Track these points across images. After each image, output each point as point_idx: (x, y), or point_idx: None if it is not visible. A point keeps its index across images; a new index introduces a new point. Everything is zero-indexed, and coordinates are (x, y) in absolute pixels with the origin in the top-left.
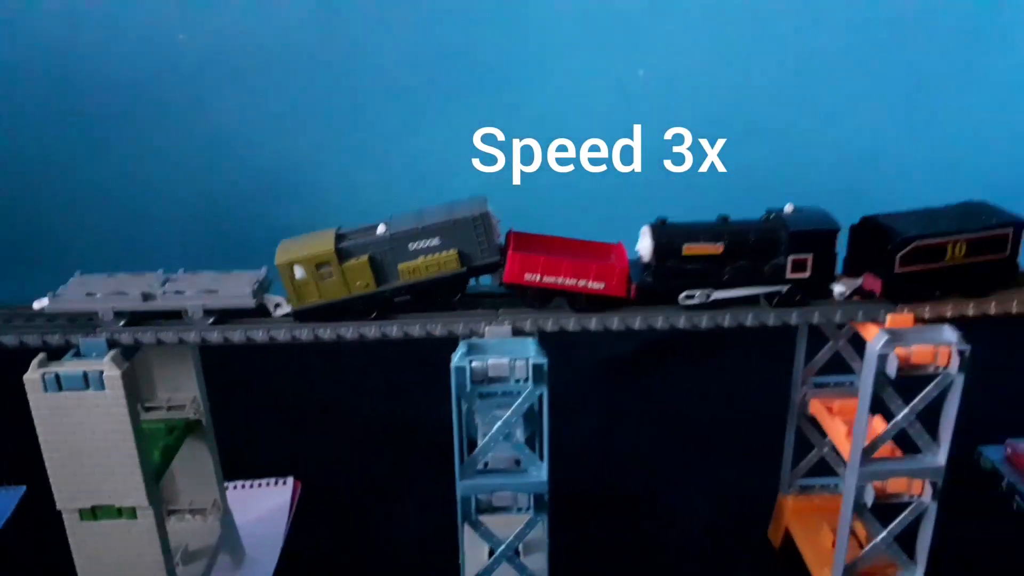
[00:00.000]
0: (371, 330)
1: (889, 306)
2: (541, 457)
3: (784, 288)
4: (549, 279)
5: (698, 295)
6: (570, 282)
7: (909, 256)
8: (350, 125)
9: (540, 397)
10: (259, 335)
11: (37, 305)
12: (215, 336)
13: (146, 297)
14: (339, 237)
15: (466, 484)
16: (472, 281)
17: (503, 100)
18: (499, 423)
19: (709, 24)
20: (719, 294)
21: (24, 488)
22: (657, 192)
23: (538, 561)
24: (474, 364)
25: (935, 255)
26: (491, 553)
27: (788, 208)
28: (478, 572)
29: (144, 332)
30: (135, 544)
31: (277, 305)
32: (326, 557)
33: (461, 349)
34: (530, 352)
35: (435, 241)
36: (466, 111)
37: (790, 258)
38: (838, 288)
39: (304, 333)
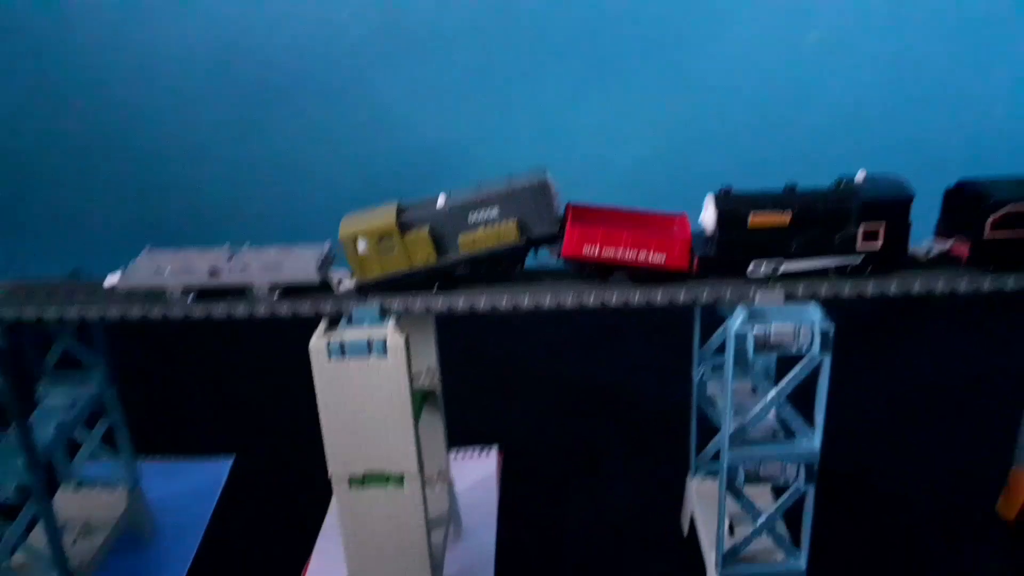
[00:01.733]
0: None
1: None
2: (812, 426)
3: (857, 260)
4: (608, 252)
5: (765, 266)
6: (630, 255)
7: (1001, 220)
8: (511, 100)
9: (821, 365)
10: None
11: (108, 283)
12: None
13: (212, 273)
14: (400, 210)
15: (734, 453)
16: (532, 256)
17: (670, 71)
18: (773, 391)
19: None
20: (788, 266)
21: (233, 457)
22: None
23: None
24: (756, 331)
25: None
26: (729, 524)
27: (860, 176)
28: (735, 543)
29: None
30: (401, 511)
31: (340, 281)
32: (538, 526)
33: (740, 315)
34: (815, 318)
35: (494, 212)
36: (630, 84)
37: (861, 227)
38: (923, 247)
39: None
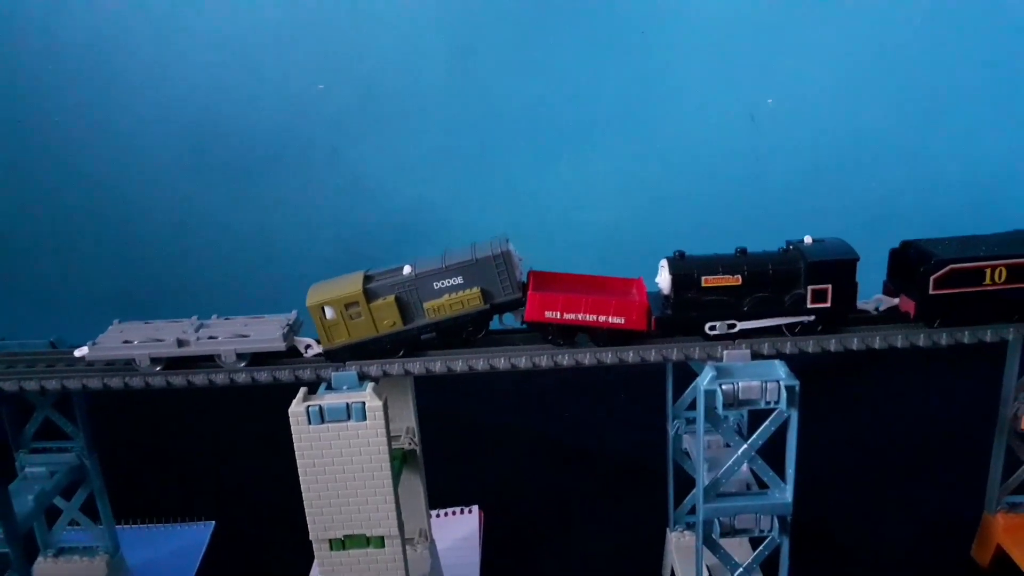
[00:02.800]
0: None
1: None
2: (783, 479)
3: (808, 318)
4: (570, 315)
5: (719, 325)
6: (590, 318)
7: (944, 279)
8: (481, 169)
9: (788, 419)
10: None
11: (78, 353)
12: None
13: (181, 343)
14: (367, 278)
15: (709, 507)
16: (496, 320)
17: (631, 138)
18: (744, 445)
19: (836, 52)
20: (743, 325)
21: (214, 523)
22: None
23: None
24: (724, 387)
25: (972, 279)
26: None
27: (807, 239)
28: None
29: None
30: (382, 573)
31: (308, 346)
32: None
33: (709, 373)
34: (780, 374)
35: (459, 279)
36: (597, 150)
37: (810, 288)
38: (872, 302)
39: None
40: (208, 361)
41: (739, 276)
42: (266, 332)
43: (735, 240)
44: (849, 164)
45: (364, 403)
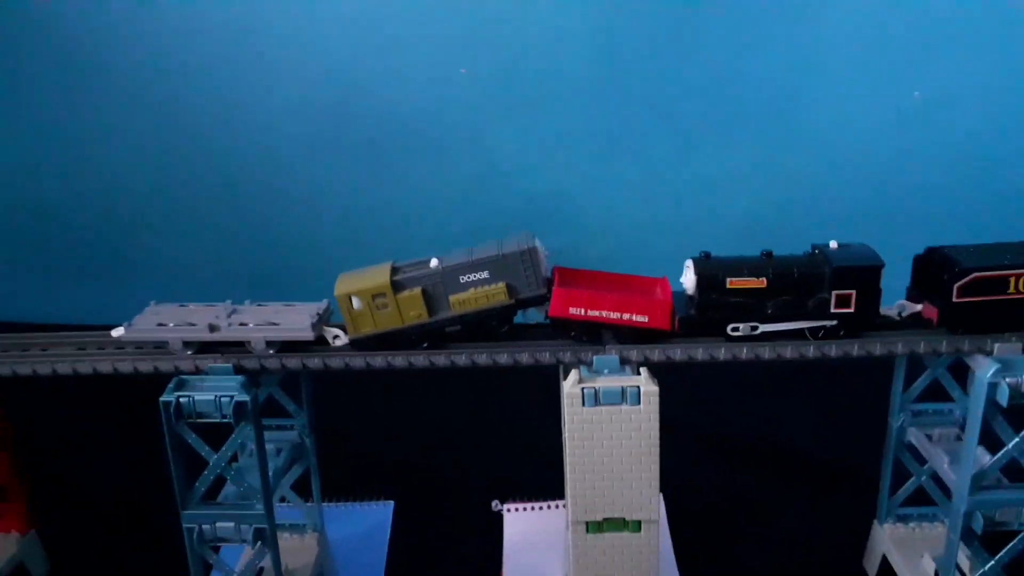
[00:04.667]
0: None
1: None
2: None
3: (831, 323)
4: (593, 313)
5: (742, 328)
6: (614, 315)
7: (968, 287)
8: (618, 156)
9: None
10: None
11: (115, 333)
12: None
13: (212, 328)
14: (394, 270)
15: (974, 499)
16: (520, 315)
17: (775, 128)
18: (1016, 439)
19: (986, 42)
20: (765, 327)
21: (392, 503)
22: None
23: None
24: (1009, 381)
25: (996, 287)
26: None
27: (833, 244)
28: None
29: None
30: (634, 557)
31: (336, 336)
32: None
33: (992, 366)
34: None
35: (484, 274)
36: (738, 139)
37: (834, 293)
38: (895, 308)
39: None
40: (239, 347)
41: (764, 279)
42: (295, 321)
43: (869, 235)
44: (992, 163)
45: (640, 387)
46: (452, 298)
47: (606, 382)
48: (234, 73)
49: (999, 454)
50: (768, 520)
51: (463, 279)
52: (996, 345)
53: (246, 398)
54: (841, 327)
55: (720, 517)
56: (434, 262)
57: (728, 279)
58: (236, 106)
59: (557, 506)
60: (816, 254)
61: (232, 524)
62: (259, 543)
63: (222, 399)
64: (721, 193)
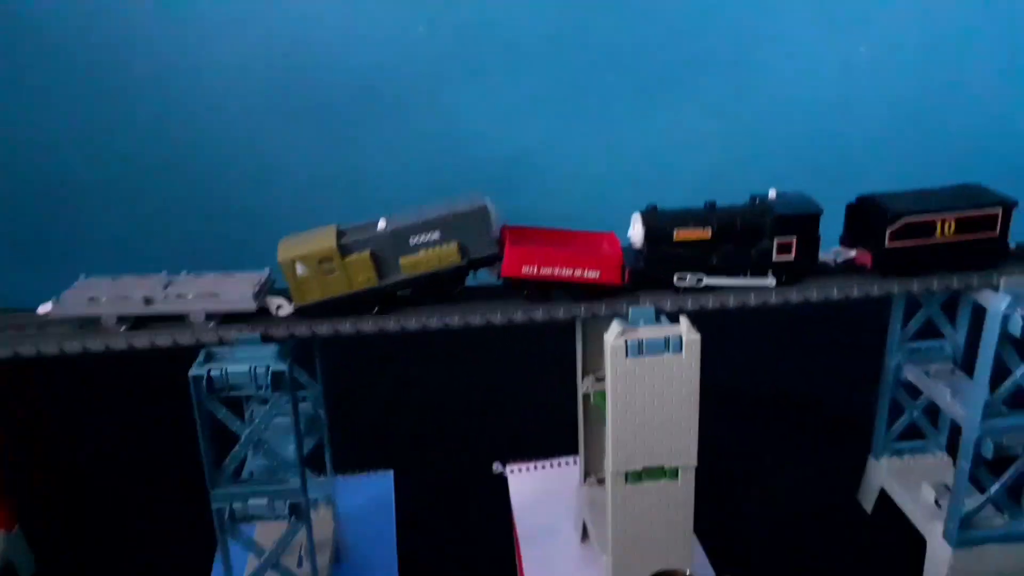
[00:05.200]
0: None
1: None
2: None
3: (770, 282)
4: (546, 270)
5: (689, 278)
6: (566, 272)
7: (899, 231)
8: (580, 115)
9: None
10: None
11: (42, 310)
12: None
13: (148, 301)
14: (340, 233)
15: (988, 424)
16: (471, 276)
17: (730, 82)
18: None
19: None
20: (710, 280)
21: (392, 472)
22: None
23: None
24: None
25: (925, 231)
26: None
27: (772, 193)
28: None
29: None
30: (671, 503)
31: (279, 306)
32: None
33: (1006, 298)
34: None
35: (435, 235)
36: (693, 95)
37: (776, 241)
38: (830, 255)
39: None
40: (176, 320)
41: (709, 229)
42: (236, 291)
43: (819, 186)
44: (935, 116)
45: (682, 336)
46: (402, 260)
47: (648, 332)
48: (173, 33)
49: (1007, 382)
50: (760, 465)
51: (413, 240)
52: (1002, 279)
53: (283, 367)
54: (781, 275)
55: (712, 464)
56: (382, 223)
57: (675, 231)
58: (175, 69)
59: (559, 463)
60: (757, 203)
61: (265, 501)
62: (293, 518)
63: (257, 369)
64: (679, 148)
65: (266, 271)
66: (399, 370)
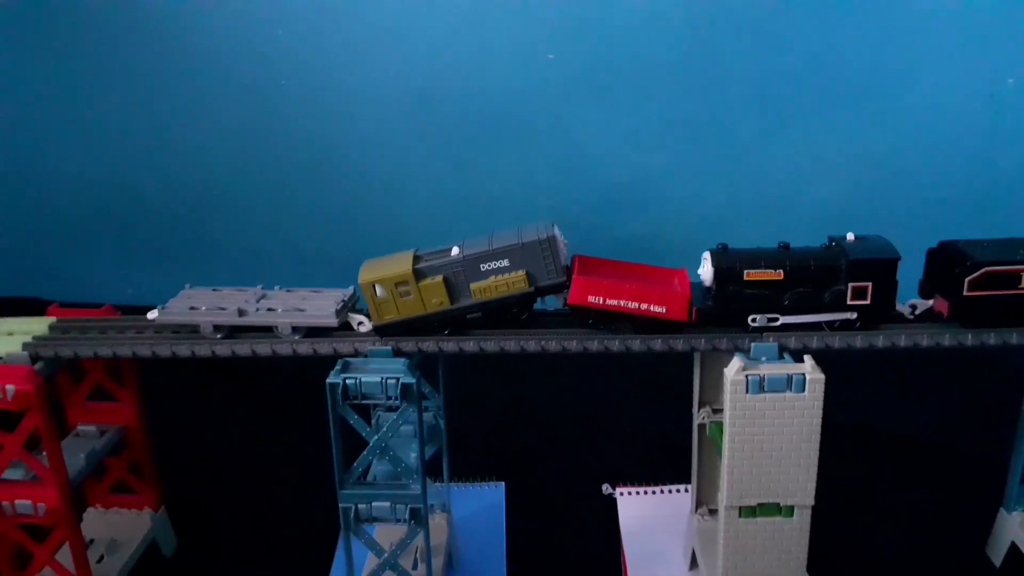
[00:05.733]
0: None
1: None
2: None
3: (849, 315)
4: (612, 302)
5: (759, 319)
6: (632, 305)
7: (979, 280)
8: (704, 141)
9: None
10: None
11: (151, 316)
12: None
13: (241, 313)
14: (416, 258)
15: None
16: (539, 302)
17: (864, 113)
18: None
19: None
20: (784, 319)
21: (503, 484)
22: None
23: None
24: None
25: (1008, 282)
26: None
27: (850, 236)
28: None
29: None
30: (785, 542)
31: (360, 323)
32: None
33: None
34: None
35: (505, 262)
36: (826, 125)
37: (850, 285)
38: (907, 306)
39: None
40: (266, 331)
41: (781, 271)
42: (321, 307)
43: (954, 222)
44: None
45: (805, 375)
46: (473, 286)
47: (770, 369)
48: (322, 56)
49: None
50: (882, 509)
51: (484, 267)
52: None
53: (412, 380)
54: (858, 319)
55: (837, 507)
56: (455, 250)
57: (745, 271)
58: (323, 89)
59: (670, 491)
60: (833, 246)
61: (388, 504)
62: (412, 522)
63: (388, 381)
64: (805, 179)
65: (350, 289)
66: (514, 388)
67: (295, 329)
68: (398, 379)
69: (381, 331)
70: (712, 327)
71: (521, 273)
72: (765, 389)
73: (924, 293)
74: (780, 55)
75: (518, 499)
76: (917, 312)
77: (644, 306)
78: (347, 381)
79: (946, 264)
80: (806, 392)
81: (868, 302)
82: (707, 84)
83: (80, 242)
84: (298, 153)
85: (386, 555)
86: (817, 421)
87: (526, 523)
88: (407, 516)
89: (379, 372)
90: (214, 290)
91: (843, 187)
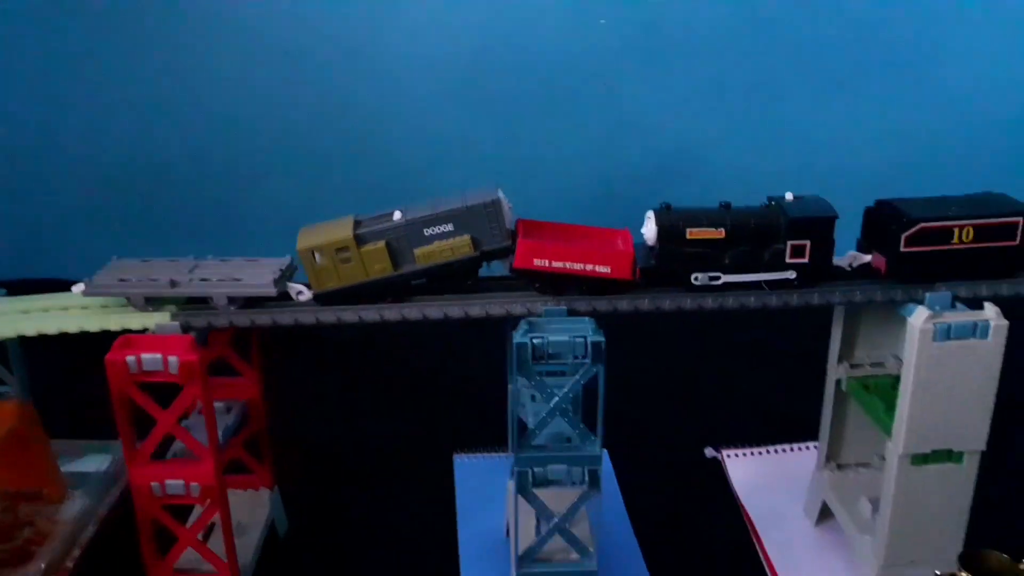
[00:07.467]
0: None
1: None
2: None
3: (788, 274)
4: (557, 264)
5: (702, 278)
6: (577, 267)
7: (915, 237)
8: (752, 109)
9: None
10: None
11: (75, 290)
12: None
13: (173, 284)
14: (357, 223)
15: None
16: (485, 267)
17: (912, 81)
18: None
19: None
20: (727, 278)
21: (606, 451)
22: None
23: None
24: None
25: (941, 238)
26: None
27: (788, 196)
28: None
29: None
30: (951, 488)
31: (299, 292)
32: None
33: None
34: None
35: (449, 227)
36: (872, 94)
37: (789, 244)
38: (846, 259)
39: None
40: (201, 303)
41: (723, 229)
42: (258, 276)
43: (1001, 189)
44: None
45: (990, 322)
46: (417, 251)
47: (956, 317)
48: (366, 24)
49: None
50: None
51: (427, 232)
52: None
53: (601, 339)
54: (798, 279)
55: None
56: (397, 215)
57: (688, 230)
58: (366, 56)
59: (776, 450)
60: (772, 205)
61: (565, 467)
62: (587, 485)
63: (576, 339)
64: (851, 147)
65: (287, 257)
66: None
67: (231, 300)
68: (585, 337)
69: (321, 299)
70: (656, 286)
71: (466, 237)
72: (951, 336)
73: (862, 250)
74: (830, 22)
75: (622, 465)
76: (855, 265)
77: (589, 267)
78: (534, 340)
79: (883, 222)
80: (990, 338)
81: (807, 260)
82: (756, 51)
83: (104, 220)
84: (339, 123)
85: (555, 520)
86: (997, 367)
87: (633, 487)
88: (585, 479)
89: (566, 332)
90: (143, 261)
91: (891, 155)
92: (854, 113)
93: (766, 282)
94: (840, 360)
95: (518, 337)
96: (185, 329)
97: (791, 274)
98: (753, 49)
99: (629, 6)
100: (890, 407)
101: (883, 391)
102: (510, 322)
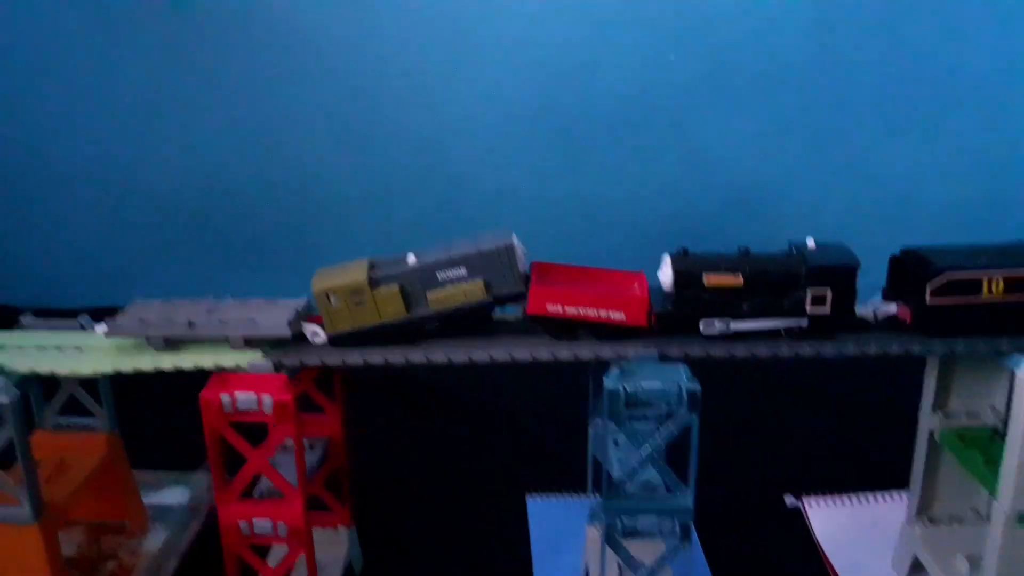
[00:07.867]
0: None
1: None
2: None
3: (805, 323)
4: (571, 310)
5: (718, 324)
6: (592, 312)
7: (942, 288)
8: (824, 145)
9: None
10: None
11: (99, 331)
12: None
13: (191, 325)
14: (371, 267)
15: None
16: (499, 309)
17: (984, 117)
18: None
19: None
20: (738, 325)
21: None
22: None
23: None
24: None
25: (969, 289)
26: None
27: (810, 243)
28: None
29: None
30: None
31: (314, 333)
32: None
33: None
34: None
35: (462, 271)
36: (945, 130)
37: (809, 292)
38: (869, 308)
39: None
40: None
41: (740, 276)
42: (274, 318)
43: None
44: None
45: None
46: (430, 295)
47: None
48: (436, 59)
49: None
50: None
51: (440, 276)
52: None
53: (697, 387)
54: (814, 327)
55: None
56: (411, 259)
57: (705, 275)
58: (436, 92)
59: (859, 500)
60: (793, 252)
61: (655, 517)
62: (679, 538)
63: (670, 388)
64: (925, 183)
65: (304, 299)
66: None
67: (248, 341)
68: (680, 386)
69: (335, 341)
70: (671, 332)
71: (479, 282)
72: None
73: (887, 299)
74: (901, 58)
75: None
76: (879, 315)
77: (603, 313)
78: (626, 388)
79: (908, 271)
80: None
81: (827, 309)
82: (826, 86)
83: (177, 246)
84: (408, 157)
85: (644, 570)
86: None
87: (711, 530)
88: (676, 530)
89: (660, 378)
90: (164, 302)
91: (963, 192)
92: (925, 148)
93: (784, 329)
94: (934, 410)
95: (610, 384)
96: (277, 368)
97: (803, 321)
98: (822, 85)
99: (698, 41)
100: (989, 460)
101: (981, 443)
102: (591, 366)
